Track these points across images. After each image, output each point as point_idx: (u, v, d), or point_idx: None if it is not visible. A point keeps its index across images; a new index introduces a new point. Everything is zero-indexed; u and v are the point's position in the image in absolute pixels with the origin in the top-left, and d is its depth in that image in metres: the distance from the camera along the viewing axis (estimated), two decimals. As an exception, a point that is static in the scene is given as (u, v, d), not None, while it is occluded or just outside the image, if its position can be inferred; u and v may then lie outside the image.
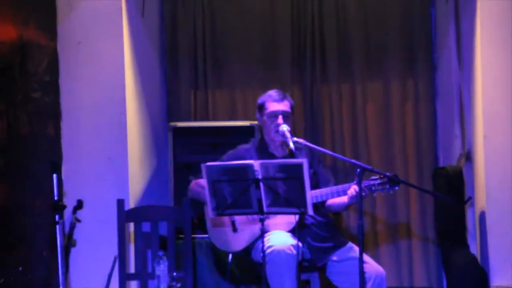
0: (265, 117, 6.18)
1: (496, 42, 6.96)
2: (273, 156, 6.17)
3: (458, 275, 6.95)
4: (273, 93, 6.27)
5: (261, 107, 6.23)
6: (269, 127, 6.18)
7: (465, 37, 7.35)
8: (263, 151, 6.24)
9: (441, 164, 7.55)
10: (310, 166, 6.14)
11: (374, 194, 6.00)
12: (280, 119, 6.12)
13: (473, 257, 7.02)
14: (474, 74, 7.12)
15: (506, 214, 6.88)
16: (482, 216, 6.98)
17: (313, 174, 6.19)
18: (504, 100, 6.92)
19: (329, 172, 6.44)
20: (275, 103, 6.19)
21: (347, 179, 6.43)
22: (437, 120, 7.70)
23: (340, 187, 6.03)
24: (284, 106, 6.19)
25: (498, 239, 6.89)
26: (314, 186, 6.08)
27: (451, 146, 7.56)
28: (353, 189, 5.83)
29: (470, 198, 7.13)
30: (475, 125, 7.14)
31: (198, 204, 6.42)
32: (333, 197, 6.06)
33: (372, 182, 5.93)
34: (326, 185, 6.19)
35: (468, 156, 7.32)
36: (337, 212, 6.46)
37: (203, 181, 5.72)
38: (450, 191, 7.02)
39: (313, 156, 6.32)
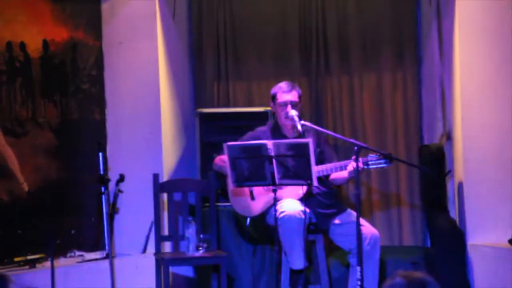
0: (277, 106, 6.28)
1: (472, 38, 6.95)
2: (285, 137, 6.22)
3: (440, 235, 6.96)
4: (283, 85, 6.34)
5: (274, 97, 6.31)
6: (280, 114, 6.26)
7: (446, 34, 7.34)
8: (277, 133, 6.30)
9: (425, 142, 7.55)
10: (317, 145, 6.26)
11: (371, 169, 6.10)
12: (289, 107, 6.19)
13: (453, 221, 7.04)
14: (453, 66, 7.13)
15: (480, 184, 6.89)
16: (460, 186, 7.01)
17: (319, 153, 6.27)
18: (479, 88, 6.93)
19: (333, 151, 6.53)
20: (285, 94, 6.26)
21: (346, 156, 6.48)
22: (422, 105, 7.69)
23: (341, 163, 6.09)
24: (292, 96, 6.26)
25: (473, 206, 6.91)
26: (320, 163, 6.16)
27: (434, 127, 7.55)
28: (351, 165, 5.93)
29: (450, 171, 7.18)
30: (454, 109, 7.16)
31: (222, 177, 6.51)
32: (335, 171, 6.13)
33: (369, 159, 6.02)
34: (330, 162, 6.24)
35: (449, 135, 7.32)
36: (340, 185, 6.55)
37: (225, 157, 5.85)
38: (433, 165, 6.99)
39: (319, 137, 6.39)
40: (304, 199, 6.09)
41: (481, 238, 6.89)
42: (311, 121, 6.54)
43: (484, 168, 6.94)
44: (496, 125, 6.94)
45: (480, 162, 6.94)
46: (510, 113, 6.92)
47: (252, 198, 6.25)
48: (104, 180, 6.47)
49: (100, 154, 6.54)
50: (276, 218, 5.85)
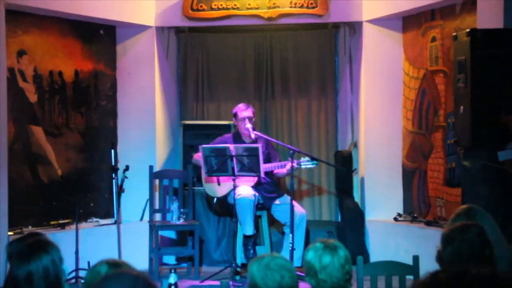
0: (238, 121, 6.34)
1: (372, 77, 7.05)
2: (243, 142, 6.29)
3: (347, 213, 7.02)
4: (241, 105, 6.40)
5: (235, 115, 6.37)
6: (240, 126, 6.33)
7: (355, 74, 7.37)
8: (237, 139, 6.36)
9: (339, 149, 7.53)
10: (266, 149, 6.33)
11: (302, 167, 6.20)
12: (246, 121, 6.27)
13: (356, 203, 7.10)
14: (359, 96, 7.21)
15: (376, 179, 7.01)
16: (362, 179, 7.10)
17: (267, 154, 6.34)
18: (377, 111, 7.04)
19: (277, 153, 6.60)
20: (243, 111, 6.32)
21: (285, 157, 6.53)
22: (337, 122, 7.65)
23: (282, 163, 6.23)
24: (248, 113, 6.33)
25: (370, 193, 7.00)
26: (267, 161, 6.27)
27: (345, 138, 7.56)
28: (289, 164, 6.02)
29: (355, 169, 7.22)
30: (359, 126, 7.23)
31: (197, 169, 6.54)
32: (278, 168, 6.24)
33: (301, 160, 6.12)
34: (275, 161, 6.35)
35: (355, 144, 7.35)
36: (280, 177, 6.66)
37: (200, 154, 5.97)
38: (344, 165, 7.02)
39: (267, 143, 6.46)
40: (254, 186, 6.21)
41: (375, 216, 6.98)
42: (261, 131, 6.63)
43: (379, 168, 7.03)
44: (388, 137, 7.03)
45: (376, 163, 7.03)
46: (399, 130, 7.02)
47: (219, 184, 6.31)
48: (115, 169, 6.55)
49: (112, 150, 6.63)
50: (234, 199, 5.98)
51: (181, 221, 6.42)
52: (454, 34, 5.24)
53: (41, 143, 6.50)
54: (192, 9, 7.08)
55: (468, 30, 4.99)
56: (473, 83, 4.89)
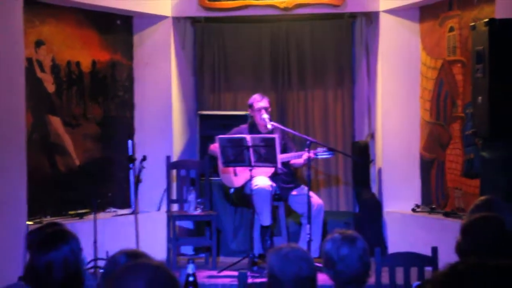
0: (254, 111, 6.33)
1: (389, 68, 7.01)
2: (259, 133, 6.27)
3: (364, 204, 7.01)
4: (256, 96, 6.39)
5: (251, 105, 6.35)
6: (256, 117, 6.32)
7: (371, 65, 7.35)
8: (254, 129, 6.35)
9: (356, 139, 7.53)
10: (282, 139, 6.32)
11: (319, 158, 6.19)
12: (262, 111, 6.26)
13: (373, 194, 7.09)
14: (376, 87, 7.18)
15: (393, 170, 6.98)
16: (380, 170, 7.08)
17: (283, 145, 6.34)
18: (394, 102, 7.00)
19: (293, 144, 6.59)
20: (259, 102, 6.30)
21: (302, 147, 6.52)
22: (354, 113, 7.64)
23: (299, 153, 6.20)
24: (264, 103, 6.31)
25: (388, 184, 6.98)
26: (284, 152, 6.25)
27: (362, 129, 7.53)
28: (305, 155, 6.02)
29: (372, 160, 7.20)
30: (376, 117, 7.20)
31: (214, 159, 6.56)
32: (294, 158, 6.23)
33: (318, 150, 6.11)
34: (291, 151, 6.33)
35: (372, 135, 7.34)
36: (297, 168, 6.64)
37: (216, 145, 5.97)
38: (361, 155, 7.02)
39: (284, 133, 6.44)
40: (271, 177, 6.20)
41: (393, 207, 6.95)
42: (278, 122, 6.61)
43: (396, 159, 7.00)
44: (406, 128, 7.00)
45: (393, 154, 7.00)
46: (416, 121, 6.99)
47: (235, 174, 6.32)
48: (132, 159, 6.57)
49: (129, 141, 6.65)
50: (251, 189, 5.97)
51: (198, 211, 6.44)
52: (472, 24, 5.20)
53: (59, 133, 6.54)
54: (209, -1, 7.10)
55: (486, 20, 4.94)
56: (492, 73, 4.86)
